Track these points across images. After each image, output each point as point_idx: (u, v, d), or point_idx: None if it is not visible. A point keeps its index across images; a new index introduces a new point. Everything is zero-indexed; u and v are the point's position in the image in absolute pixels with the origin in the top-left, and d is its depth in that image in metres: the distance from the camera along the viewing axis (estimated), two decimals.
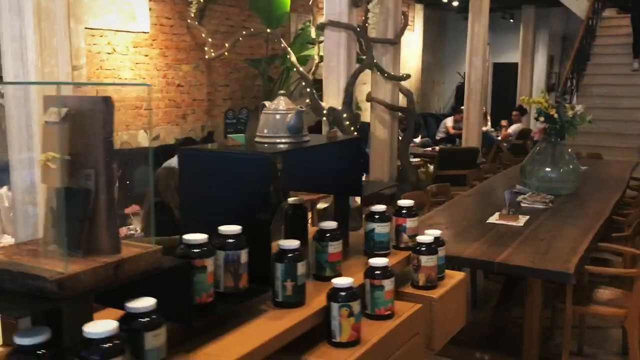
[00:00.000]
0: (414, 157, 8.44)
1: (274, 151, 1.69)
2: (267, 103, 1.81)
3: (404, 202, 2.14)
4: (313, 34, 6.92)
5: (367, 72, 7.02)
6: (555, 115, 4.43)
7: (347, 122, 6.16)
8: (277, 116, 1.76)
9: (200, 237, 1.42)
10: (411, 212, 2.13)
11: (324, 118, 6.17)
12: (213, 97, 7.28)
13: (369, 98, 7.15)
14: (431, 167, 8.22)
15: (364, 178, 7.86)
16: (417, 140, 9.85)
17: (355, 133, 6.59)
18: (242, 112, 5.69)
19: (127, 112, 6.28)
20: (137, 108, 6.42)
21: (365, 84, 8.00)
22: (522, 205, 4.08)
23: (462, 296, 2.18)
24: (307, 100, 6.34)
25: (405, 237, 2.12)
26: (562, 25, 12.99)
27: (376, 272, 1.76)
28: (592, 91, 9.01)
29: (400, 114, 7.25)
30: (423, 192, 4.75)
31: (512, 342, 3.48)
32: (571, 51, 9.72)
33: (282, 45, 6.44)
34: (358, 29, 6.26)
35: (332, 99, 6.18)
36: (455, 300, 2.12)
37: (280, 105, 1.78)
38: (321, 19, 6.19)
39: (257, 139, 1.77)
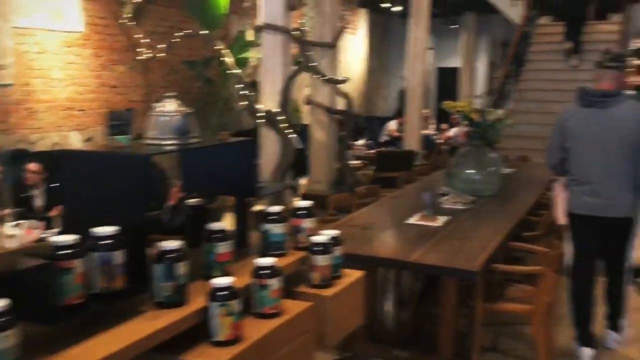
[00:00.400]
0: (356, 160, 8.55)
1: (157, 152, 1.71)
2: (154, 104, 1.82)
3: (302, 203, 2.19)
4: (251, 37, 6.94)
5: (308, 75, 7.09)
6: (479, 119, 4.58)
7: (283, 125, 6.19)
8: (164, 118, 1.78)
9: (67, 238, 1.42)
10: (309, 213, 2.18)
11: (261, 120, 6.19)
12: (151, 98, 7.19)
13: (307, 101, 7.21)
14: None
15: (304, 180, 7.91)
16: (361, 142, 9.98)
17: (294, 135, 6.67)
18: (126, 114, 5.67)
19: (57, 112, 6.14)
20: (69, 109, 6.28)
21: (308, 87, 8.05)
22: (444, 206, 4.19)
23: (359, 294, 2.24)
24: (243, 103, 6.36)
25: (302, 237, 2.16)
26: (503, 31, 13.35)
27: (262, 271, 1.79)
28: (526, 96, 9.31)
29: (339, 116, 7.34)
30: (352, 194, 4.82)
31: (430, 340, 3.57)
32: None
33: (217, 47, 6.43)
34: (295, 32, 6.31)
35: (269, 101, 6.20)
36: (351, 298, 2.17)
37: (167, 107, 1.80)
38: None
39: (143, 141, 1.78)
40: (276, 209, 2.06)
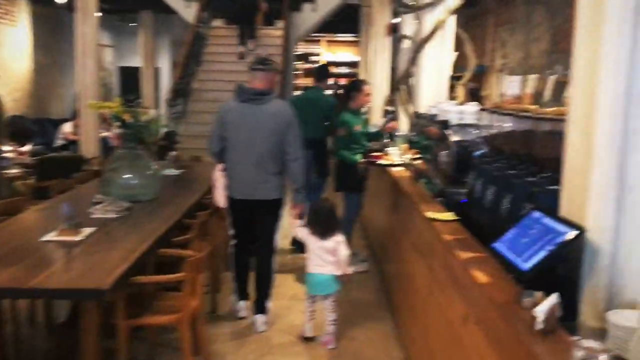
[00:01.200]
0: (19, 168, 7.52)
1: None
2: None
3: None
4: None
5: None
6: (131, 120, 4.31)
7: None
8: None
9: None
10: None
11: None
12: None
13: None
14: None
15: None
16: (27, 148, 8.87)
17: None
18: None
19: None
20: None
21: None
22: (94, 216, 3.81)
23: None
24: None
25: None
26: (183, 31, 13.40)
27: None
28: (203, 96, 9.41)
29: None
30: None
31: None
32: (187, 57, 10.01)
33: None
34: None
35: None
36: None
37: None
38: None
39: None
40: None
